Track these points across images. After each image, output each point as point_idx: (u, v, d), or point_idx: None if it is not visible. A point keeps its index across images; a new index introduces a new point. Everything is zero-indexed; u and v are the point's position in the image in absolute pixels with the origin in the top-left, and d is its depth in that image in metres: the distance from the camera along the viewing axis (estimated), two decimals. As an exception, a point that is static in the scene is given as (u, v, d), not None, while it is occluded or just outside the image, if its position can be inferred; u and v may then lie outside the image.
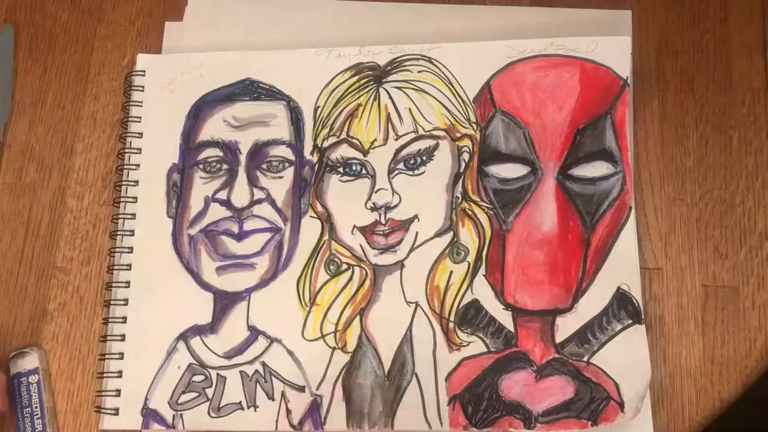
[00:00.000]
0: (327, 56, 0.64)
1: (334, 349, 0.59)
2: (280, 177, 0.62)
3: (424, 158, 0.61)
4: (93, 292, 0.62)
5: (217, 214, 0.62)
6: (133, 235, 0.62)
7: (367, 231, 0.60)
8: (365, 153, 0.62)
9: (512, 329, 0.58)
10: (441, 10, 0.67)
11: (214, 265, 0.61)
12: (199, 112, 0.64)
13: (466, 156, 0.61)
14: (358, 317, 0.59)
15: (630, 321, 0.57)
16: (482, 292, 0.59)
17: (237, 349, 0.59)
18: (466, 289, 0.59)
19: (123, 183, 0.63)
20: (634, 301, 0.57)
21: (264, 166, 0.63)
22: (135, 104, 0.65)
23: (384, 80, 0.63)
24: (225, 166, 0.63)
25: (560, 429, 0.56)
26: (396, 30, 0.66)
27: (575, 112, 0.60)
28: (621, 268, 0.58)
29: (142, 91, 0.65)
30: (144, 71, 0.66)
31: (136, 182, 0.63)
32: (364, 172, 0.61)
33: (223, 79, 0.65)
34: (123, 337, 0.60)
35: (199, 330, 0.60)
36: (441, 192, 0.61)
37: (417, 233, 0.60)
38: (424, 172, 0.61)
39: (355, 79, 0.64)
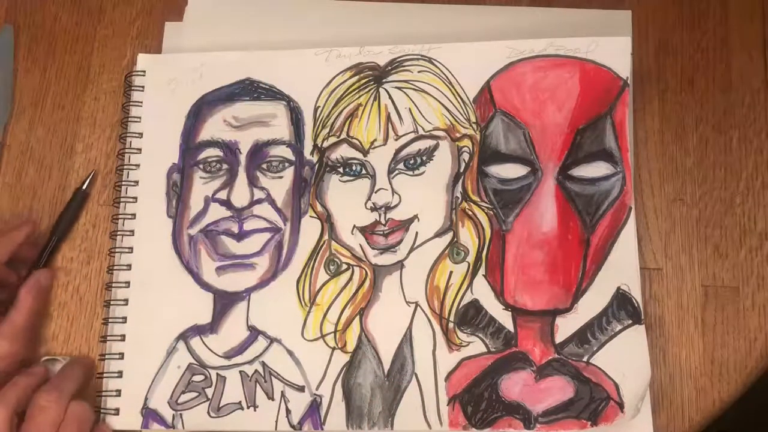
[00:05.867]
0: (327, 56, 0.64)
1: (333, 349, 0.59)
2: (280, 177, 0.62)
3: (424, 158, 0.61)
4: (93, 292, 0.62)
5: (217, 214, 0.62)
6: (133, 235, 0.62)
7: (367, 231, 0.60)
8: (365, 153, 0.62)
9: (512, 329, 0.58)
10: (441, 10, 0.67)
11: (214, 265, 0.61)
12: (199, 112, 0.64)
13: (466, 156, 0.61)
14: (357, 317, 0.59)
15: (630, 321, 0.57)
16: (482, 292, 0.59)
17: (237, 349, 0.59)
18: (466, 290, 0.59)
19: (123, 183, 0.63)
20: (634, 301, 0.57)
21: (264, 166, 0.63)
22: (135, 104, 0.65)
23: (384, 80, 0.63)
24: (225, 166, 0.63)
25: (560, 429, 0.56)
26: (396, 30, 0.66)
27: (575, 112, 0.60)
28: (621, 268, 0.58)
29: (142, 91, 0.65)
30: (144, 71, 0.66)
31: (136, 182, 0.63)
32: (364, 172, 0.62)
33: (223, 79, 0.65)
34: (123, 337, 0.60)
35: (199, 330, 0.60)
36: (441, 192, 0.61)
37: (417, 233, 0.60)
38: (424, 172, 0.61)
39: (355, 79, 0.64)
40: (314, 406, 0.58)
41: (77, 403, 0.54)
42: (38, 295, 0.59)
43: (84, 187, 0.63)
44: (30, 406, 0.53)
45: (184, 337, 0.60)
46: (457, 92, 0.62)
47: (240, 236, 0.61)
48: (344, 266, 0.60)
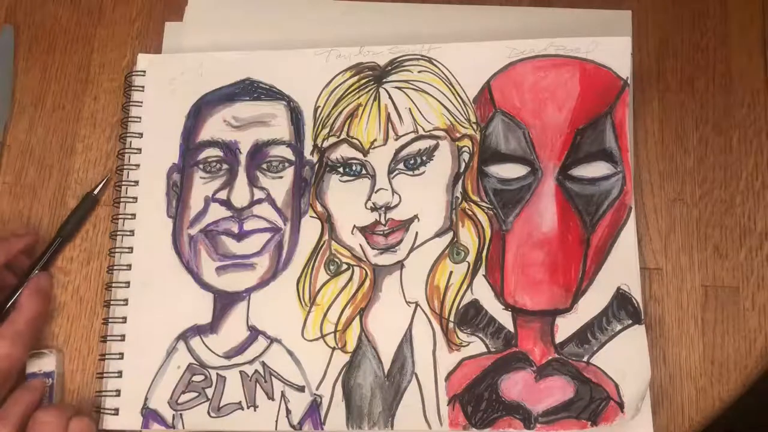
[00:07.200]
0: (327, 56, 0.64)
1: (333, 349, 0.59)
2: (280, 177, 0.62)
3: (424, 158, 0.61)
4: (93, 292, 0.62)
5: (217, 214, 0.62)
6: (133, 235, 0.62)
7: (367, 231, 0.60)
8: (365, 153, 0.62)
9: (512, 329, 0.58)
10: (441, 10, 0.67)
11: (214, 265, 0.61)
12: (199, 112, 0.64)
13: (466, 156, 0.61)
14: (358, 317, 0.59)
15: (630, 321, 0.57)
16: (482, 292, 0.59)
17: (237, 349, 0.59)
18: (466, 290, 0.59)
19: (123, 183, 0.63)
20: (634, 301, 0.57)
21: (264, 166, 0.63)
22: (135, 104, 0.65)
23: (384, 80, 0.63)
24: (225, 166, 0.63)
25: (560, 429, 0.56)
26: (396, 30, 0.66)
27: (575, 112, 0.60)
28: (621, 268, 0.58)
29: (142, 91, 0.65)
30: (144, 71, 0.66)
31: (136, 182, 0.63)
32: (364, 172, 0.62)
33: (223, 79, 0.65)
34: (123, 337, 0.60)
35: (199, 330, 0.60)
36: (441, 192, 0.61)
37: (417, 233, 0.60)
38: (424, 172, 0.61)
39: (355, 79, 0.64)
40: (314, 406, 0.58)
41: (78, 418, 0.54)
42: (39, 298, 0.59)
43: (96, 192, 0.63)
44: (31, 423, 0.53)
45: (184, 337, 0.60)
46: (457, 92, 0.62)
47: (240, 236, 0.61)
48: (344, 266, 0.60)
